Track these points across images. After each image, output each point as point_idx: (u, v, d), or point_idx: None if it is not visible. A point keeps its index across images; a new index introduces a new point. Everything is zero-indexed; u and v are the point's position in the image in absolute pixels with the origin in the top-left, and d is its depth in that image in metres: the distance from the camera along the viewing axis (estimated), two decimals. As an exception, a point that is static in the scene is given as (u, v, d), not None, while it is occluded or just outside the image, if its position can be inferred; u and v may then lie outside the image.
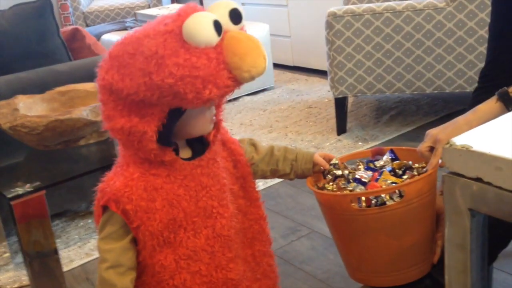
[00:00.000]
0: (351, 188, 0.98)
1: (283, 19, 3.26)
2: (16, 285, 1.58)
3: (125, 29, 3.12)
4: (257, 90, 2.97)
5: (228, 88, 0.77)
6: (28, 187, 1.20)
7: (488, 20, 2.06)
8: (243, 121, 2.61)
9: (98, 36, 2.96)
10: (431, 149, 0.96)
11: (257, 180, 0.99)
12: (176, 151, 0.85)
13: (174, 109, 0.79)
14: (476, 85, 2.18)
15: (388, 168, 1.01)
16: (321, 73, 3.08)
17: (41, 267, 1.25)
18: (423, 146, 0.97)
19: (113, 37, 2.99)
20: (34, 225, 1.22)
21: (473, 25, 2.03)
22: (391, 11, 2.08)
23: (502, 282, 1.34)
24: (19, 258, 1.68)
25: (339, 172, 1.02)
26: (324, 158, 1.03)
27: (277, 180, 1.85)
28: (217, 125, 0.89)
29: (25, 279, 1.58)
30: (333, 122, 2.38)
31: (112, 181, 0.83)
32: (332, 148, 2.20)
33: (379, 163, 1.05)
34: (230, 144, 0.93)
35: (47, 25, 1.97)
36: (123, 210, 0.81)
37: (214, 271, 0.87)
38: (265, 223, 0.96)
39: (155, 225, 0.82)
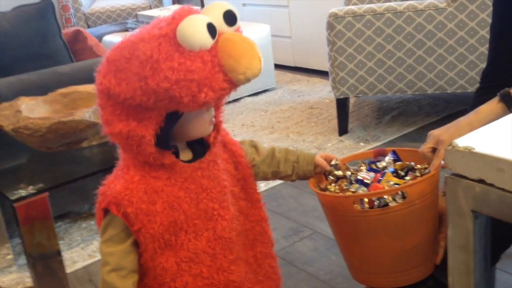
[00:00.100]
0: (353, 190, 0.98)
1: (284, 20, 3.26)
2: (19, 287, 1.58)
3: (126, 30, 3.13)
4: (258, 91, 2.98)
5: (224, 91, 0.77)
6: (31, 189, 1.21)
7: (489, 20, 2.06)
8: (245, 122, 2.61)
9: (99, 38, 2.96)
10: (434, 150, 0.96)
11: (258, 181, 0.99)
12: (176, 154, 0.85)
13: (171, 113, 0.79)
14: (477, 85, 2.18)
15: (391, 169, 1.01)
16: (322, 73, 3.08)
17: (44, 268, 1.25)
18: (425, 147, 0.97)
19: (114, 39, 3.00)
20: (37, 227, 1.22)
21: (474, 26, 2.03)
22: (392, 12, 2.08)
23: (504, 282, 1.34)
24: (22, 260, 1.68)
25: (339, 173, 1.02)
26: (325, 159, 1.03)
27: (279, 181, 1.85)
28: (217, 126, 0.89)
29: (28, 280, 1.58)
30: (334, 122, 2.38)
31: (112, 184, 0.83)
32: (334, 148, 2.20)
33: (381, 164, 1.05)
34: (231, 145, 0.93)
35: (49, 26, 1.98)
36: (124, 213, 0.81)
37: (215, 274, 0.87)
38: (267, 224, 0.96)
39: (156, 227, 0.82)
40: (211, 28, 0.74)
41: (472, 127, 0.90)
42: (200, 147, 0.88)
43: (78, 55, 2.10)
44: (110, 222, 0.84)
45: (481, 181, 0.62)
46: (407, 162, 1.03)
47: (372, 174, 1.01)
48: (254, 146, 0.99)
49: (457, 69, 2.10)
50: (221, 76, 0.75)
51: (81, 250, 1.72)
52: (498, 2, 1.11)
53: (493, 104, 0.93)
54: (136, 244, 0.84)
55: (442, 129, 0.96)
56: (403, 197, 0.94)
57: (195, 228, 0.85)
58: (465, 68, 2.09)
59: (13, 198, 1.19)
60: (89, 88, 1.53)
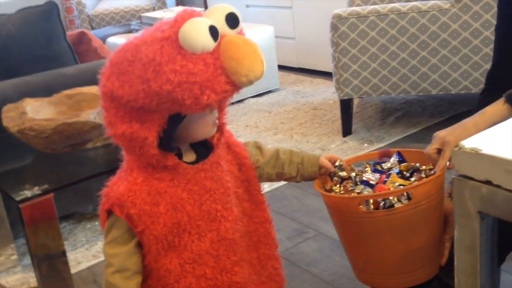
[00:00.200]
0: (358, 191, 0.98)
1: (288, 21, 3.26)
2: (23, 287, 1.58)
3: (130, 32, 3.14)
4: (262, 92, 2.98)
5: (227, 93, 0.77)
6: (36, 190, 1.21)
7: (493, 21, 2.06)
8: (248, 123, 2.61)
9: (103, 39, 2.97)
10: (439, 151, 0.96)
11: (262, 182, 0.99)
12: (179, 156, 0.85)
13: (174, 115, 0.79)
14: (481, 86, 2.17)
15: (396, 170, 1.01)
16: (326, 74, 3.08)
17: (49, 269, 1.26)
18: (430, 148, 0.97)
19: (118, 40, 3.00)
20: (42, 227, 1.23)
21: (478, 26, 2.03)
22: (396, 13, 2.08)
23: (509, 284, 1.34)
24: (27, 260, 1.69)
25: (344, 174, 1.02)
26: (330, 161, 1.03)
27: (283, 182, 1.85)
28: (220, 128, 0.89)
29: (32, 281, 1.58)
30: (338, 123, 2.38)
31: (116, 186, 0.84)
32: (337, 149, 2.20)
33: (386, 165, 1.05)
34: (235, 147, 0.93)
35: (53, 28, 1.98)
36: (127, 214, 0.82)
37: (219, 275, 0.87)
38: (271, 226, 0.96)
39: (159, 229, 0.82)
40: (213, 31, 0.75)
41: (478, 129, 0.90)
42: (203, 148, 0.88)
43: (83, 57, 2.10)
44: (113, 224, 0.84)
45: (488, 182, 0.62)
46: (412, 163, 1.03)
47: (377, 175, 1.01)
48: (259, 148, 0.99)
49: (461, 70, 2.10)
50: (224, 79, 0.75)
51: (85, 250, 1.72)
52: (503, 4, 1.11)
53: (499, 106, 0.93)
54: (139, 246, 0.84)
55: (448, 130, 0.96)
56: (409, 198, 0.94)
57: (199, 229, 0.85)
58: (469, 69, 2.09)
59: (18, 199, 1.19)
60: (94, 89, 1.54)
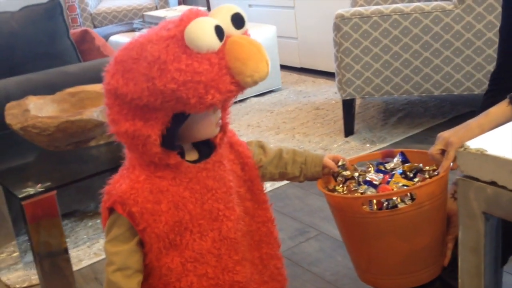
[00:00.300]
0: (362, 191, 0.98)
1: (290, 21, 3.26)
2: (25, 285, 1.58)
3: (132, 30, 3.14)
4: (264, 91, 2.98)
5: (231, 93, 0.77)
6: (39, 187, 1.21)
7: (497, 22, 2.06)
8: (250, 123, 2.61)
9: (106, 38, 2.97)
10: (443, 152, 0.96)
11: (265, 182, 0.99)
12: (182, 154, 0.85)
13: (178, 114, 0.79)
14: (484, 87, 2.17)
15: (399, 170, 1.01)
16: (328, 74, 3.08)
17: (51, 266, 1.26)
18: (434, 149, 0.97)
19: (120, 39, 3.00)
20: (45, 225, 1.23)
21: (481, 28, 2.03)
22: (399, 13, 2.08)
23: (511, 285, 1.34)
24: (28, 257, 1.69)
25: (347, 173, 1.02)
26: (333, 161, 1.03)
27: (285, 182, 1.85)
28: (223, 128, 0.89)
29: (34, 278, 1.59)
30: (340, 123, 2.38)
31: (118, 184, 0.84)
32: (339, 149, 2.20)
33: (389, 165, 1.05)
34: (237, 146, 0.93)
35: (57, 26, 1.99)
36: (129, 212, 0.82)
37: (221, 274, 0.87)
38: (273, 225, 0.96)
39: (161, 227, 0.82)
40: (219, 31, 0.75)
41: (482, 130, 0.90)
42: (206, 147, 0.88)
43: (86, 55, 2.10)
44: (115, 221, 0.84)
45: (493, 183, 0.62)
46: (415, 164, 1.03)
47: (380, 175, 1.01)
48: (262, 147, 0.99)
49: (464, 71, 2.09)
50: (228, 79, 0.75)
51: (87, 248, 1.73)
52: (508, 5, 1.11)
53: (503, 107, 0.93)
54: (141, 244, 0.84)
55: (452, 131, 0.96)
56: (412, 198, 0.94)
57: (200, 228, 0.85)
58: (472, 70, 2.09)
59: (21, 196, 1.19)
60: (97, 87, 1.54)
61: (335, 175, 1.02)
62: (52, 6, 1.99)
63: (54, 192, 1.22)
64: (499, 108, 0.93)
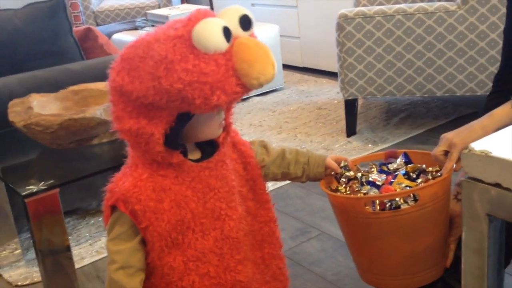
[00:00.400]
0: (364, 191, 0.98)
1: (293, 20, 3.26)
2: (27, 282, 1.59)
3: (135, 28, 3.14)
4: (267, 90, 2.98)
5: (237, 95, 0.77)
6: (42, 185, 1.21)
7: (500, 23, 2.06)
8: (253, 122, 2.61)
9: (108, 36, 2.97)
10: (446, 153, 0.96)
11: (267, 181, 0.99)
12: (184, 153, 0.85)
13: (183, 113, 0.79)
14: (487, 88, 2.17)
15: (402, 171, 1.01)
16: (330, 74, 3.08)
17: (53, 264, 1.26)
18: (437, 150, 0.97)
19: (123, 37, 3.00)
20: (47, 222, 1.23)
21: (484, 29, 2.03)
22: (402, 14, 2.08)
23: (512, 287, 1.34)
24: (30, 255, 1.69)
25: (350, 173, 1.02)
26: (336, 161, 1.03)
27: (287, 181, 1.86)
28: (227, 128, 0.89)
29: (36, 275, 1.59)
30: (342, 123, 2.38)
31: (121, 182, 0.84)
32: (341, 150, 2.20)
33: (392, 166, 1.05)
34: (240, 146, 0.93)
35: (60, 24, 1.99)
36: (132, 210, 0.82)
37: (222, 273, 0.87)
38: (275, 225, 0.96)
39: (163, 225, 0.82)
40: (227, 32, 0.75)
41: (486, 131, 0.90)
42: (209, 147, 0.89)
43: (89, 53, 2.11)
44: (117, 219, 0.84)
45: (497, 185, 0.62)
46: (418, 165, 1.03)
47: (383, 176, 1.01)
48: (264, 147, 0.99)
49: (467, 72, 2.09)
50: (234, 80, 0.76)
51: (89, 246, 1.73)
52: (512, 7, 1.11)
53: (507, 108, 0.93)
54: (143, 243, 0.84)
55: (455, 132, 0.96)
56: (415, 199, 0.94)
57: (202, 227, 0.85)
58: (474, 71, 2.08)
59: (24, 193, 1.19)
60: (100, 86, 1.54)
61: (338, 176, 1.02)
62: (55, 3, 2.00)
63: (57, 190, 1.22)
64: (503, 110, 0.93)
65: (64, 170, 1.38)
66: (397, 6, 2.11)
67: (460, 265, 0.76)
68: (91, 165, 1.40)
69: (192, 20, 0.75)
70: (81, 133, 1.35)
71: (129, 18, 3.82)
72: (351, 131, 2.31)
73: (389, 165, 1.05)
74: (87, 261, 1.65)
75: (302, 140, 2.34)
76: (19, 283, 1.58)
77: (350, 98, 2.23)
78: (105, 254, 1.65)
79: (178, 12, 2.98)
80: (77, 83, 1.56)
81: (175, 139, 0.82)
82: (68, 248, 1.27)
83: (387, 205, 0.95)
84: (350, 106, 2.28)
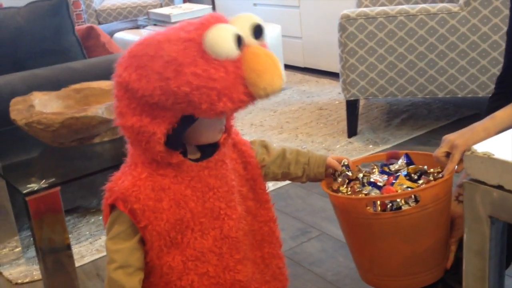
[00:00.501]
0: (366, 192, 0.98)
1: (295, 20, 3.26)
2: (27, 280, 1.59)
3: (137, 27, 3.14)
4: (268, 90, 2.97)
5: (242, 103, 0.77)
6: (43, 183, 1.21)
7: (502, 25, 2.05)
8: (254, 122, 2.61)
9: (110, 34, 2.97)
10: (448, 154, 0.96)
11: (267, 181, 0.99)
12: (184, 153, 0.85)
13: (187, 116, 0.79)
14: (489, 90, 2.16)
15: (404, 172, 1.01)
16: (332, 75, 3.08)
17: (53, 262, 1.26)
18: (439, 152, 0.97)
19: (125, 36, 3.01)
20: (48, 220, 1.23)
21: (487, 30, 2.03)
22: (404, 15, 2.08)
23: (513, 289, 1.34)
24: (31, 253, 1.69)
25: (349, 173, 1.02)
26: (337, 161, 1.03)
27: (288, 181, 1.86)
28: (228, 129, 0.89)
29: (36, 273, 1.59)
30: (343, 124, 2.38)
31: (120, 181, 0.84)
32: (342, 150, 2.19)
33: (394, 167, 1.05)
34: (241, 145, 0.93)
35: (62, 22, 1.99)
36: (131, 209, 0.82)
37: (222, 273, 0.87)
38: (275, 225, 0.96)
39: (162, 225, 0.82)
40: (239, 39, 0.75)
41: (488, 133, 0.90)
42: (209, 147, 0.88)
43: (91, 51, 2.11)
44: (116, 219, 0.84)
45: (499, 187, 0.62)
46: (420, 166, 1.03)
47: (385, 176, 1.01)
48: (265, 146, 0.99)
49: (469, 74, 2.09)
50: (242, 89, 0.76)
51: (89, 244, 1.73)
52: (515, 8, 1.11)
53: (509, 110, 0.93)
54: (142, 242, 0.84)
55: (457, 133, 0.96)
56: (416, 200, 0.94)
57: (202, 226, 0.85)
58: (476, 73, 2.08)
59: (25, 191, 1.19)
60: (102, 84, 1.54)
61: (336, 175, 1.02)
62: (58, 2, 2.00)
63: (58, 188, 1.22)
64: (505, 112, 0.93)
65: (65, 168, 1.38)
66: (400, 7, 2.11)
67: (460, 266, 0.76)
68: (93, 163, 1.39)
69: (205, 24, 0.76)
70: (82, 132, 1.35)
71: (131, 17, 3.83)
72: (352, 131, 2.31)
73: (391, 166, 1.05)
74: (87, 259, 1.65)
75: (303, 140, 2.34)
76: (19, 281, 1.59)
77: (352, 98, 2.23)
78: (105, 253, 1.64)
79: (180, 11, 2.98)
80: (79, 82, 1.56)
81: (177, 140, 0.82)
82: (68, 247, 1.27)
83: (388, 206, 0.95)
84: (352, 106, 2.28)
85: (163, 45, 0.75)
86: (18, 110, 1.39)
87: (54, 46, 1.97)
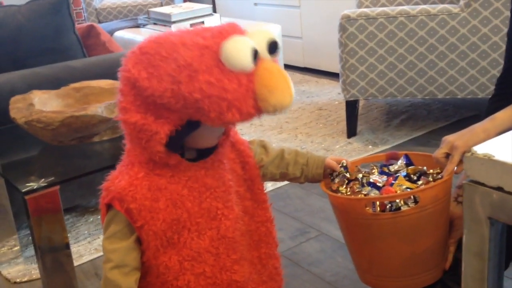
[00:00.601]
0: (365, 192, 0.98)
1: (295, 20, 3.26)
2: (25, 279, 1.59)
3: (137, 26, 3.13)
4: (267, 90, 2.97)
5: (250, 116, 0.78)
6: (42, 182, 1.21)
7: (502, 26, 2.05)
8: (253, 121, 2.61)
9: (110, 33, 2.97)
10: (447, 155, 0.96)
11: (266, 181, 0.99)
12: (182, 153, 0.85)
13: (192, 121, 0.79)
14: (488, 91, 2.16)
15: (403, 173, 1.01)
16: (332, 75, 3.08)
17: (52, 261, 1.26)
18: (439, 153, 0.97)
19: (125, 34, 3.00)
20: (47, 219, 1.23)
21: (487, 31, 2.03)
22: (405, 15, 2.08)
23: (512, 290, 1.34)
24: (29, 252, 1.69)
25: (347, 175, 1.02)
26: (336, 162, 1.03)
27: (287, 182, 1.86)
28: (227, 132, 0.89)
29: (35, 272, 1.59)
30: (343, 124, 2.38)
31: (117, 180, 0.83)
32: (342, 151, 2.20)
33: (393, 168, 1.05)
34: (239, 145, 0.93)
35: (63, 21, 1.99)
36: (127, 209, 0.82)
37: (218, 273, 0.87)
38: (272, 225, 0.96)
39: (158, 224, 0.82)
40: (255, 54, 0.76)
41: (488, 134, 0.90)
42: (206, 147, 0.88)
43: (91, 50, 2.10)
44: (113, 218, 0.84)
45: (499, 188, 0.62)
46: (419, 167, 1.03)
47: (384, 177, 1.01)
48: (263, 146, 0.99)
49: (469, 75, 2.09)
50: (251, 102, 0.76)
51: (87, 244, 1.73)
52: (516, 9, 1.11)
53: (509, 112, 0.93)
54: (139, 242, 0.84)
55: (457, 135, 0.96)
56: (415, 201, 0.94)
57: (198, 226, 0.85)
58: (476, 74, 2.08)
59: (24, 190, 1.19)
60: (102, 83, 1.54)
61: (334, 175, 1.02)
62: (58, 0, 1.99)
63: (57, 187, 1.22)
64: (505, 113, 0.93)
65: (64, 167, 1.38)
66: (400, 7, 2.11)
67: (459, 267, 0.76)
68: (92, 162, 1.39)
69: (223, 34, 0.76)
70: (82, 131, 1.35)
71: (131, 16, 3.82)
72: (351, 132, 2.31)
73: (390, 167, 1.05)
74: (85, 258, 1.65)
75: (303, 140, 2.34)
76: (18, 280, 1.58)
77: (351, 99, 2.23)
78: (104, 252, 1.65)
79: (180, 10, 2.97)
80: (78, 80, 1.56)
81: (178, 142, 0.82)
82: (67, 246, 1.27)
83: (388, 207, 0.95)
84: (351, 107, 2.28)
85: (178, 48, 0.75)
86: (17, 109, 1.39)
87: (54, 44, 1.97)
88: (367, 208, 0.95)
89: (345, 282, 1.45)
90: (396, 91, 2.17)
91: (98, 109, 1.33)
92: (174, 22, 2.85)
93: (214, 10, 3.48)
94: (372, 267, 1.02)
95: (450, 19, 2.05)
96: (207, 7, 2.99)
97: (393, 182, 0.99)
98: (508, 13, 1.92)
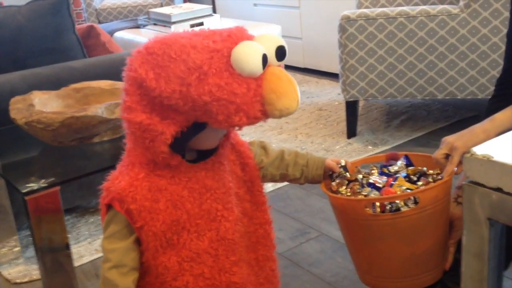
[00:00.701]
0: (365, 193, 0.98)
1: (295, 21, 3.26)
2: (26, 280, 1.59)
3: (137, 27, 3.13)
4: (267, 91, 2.97)
5: (256, 120, 0.78)
6: (42, 183, 1.21)
7: (502, 27, 2.06)
8: (253, 122, 2.61)
9: (110, 33, 2.97)
10: (447, 156, 0.96)
11: (265, 182, 0.99)
12: (183, 155, 0.85)
13: (198, 122, 0.79)
14: (488, 92, 2.17)
15: (403, 174, 1.01)
16: (332, 75, 3.08)
17: (52, 262, 1.26)
18: (438, 153, 0.97)
19: (126, 35, 3.00)
20: (48, 220, 1.23)
21: (486, 32, 2.03)
22: (404, 16, 2.08)
23: (511, 290, 1.34)
24: (29, 252, 1.69)
25: (347, 175, 1.02)
26: (336, 163, 1.03)
27: (286, 182, 1.86)
28: (227, 134, 0.89)
29: (35, 273, 1.59)
30: (343, 125, 2.38)
31: (117, 180, 0.83)
32: (342, 151, 2.20)
33: (393, 168, 1.05)
34: (239, 146, 0.93)
35: (63, 21, 1.99)
36: (127, 209, 0.82)
37: (217, 274, 0.87)
38: (270, 228, 0.96)
39: (158, 225, 0.82)
40: (265, 60, 0.77)
41: (487, 135, 0.90)
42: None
43: (91, 51, 2.11)
44: (112, 218, 0.84)
45: (498, 189, 0.62)
46: (419, 167, 1.03)
47: (384, 178, 1.01)
48: (263, 147, 0.99)
49: (468, 75, 2.09)
50: (258, 106, 0.77)
51: (88, 244, 1.73)
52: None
53: (509, 113, 0.93)
54: (138, 242, 0.84)
55: (456, 135, 0.96)
56: (415, 202, 0.94)
57: (198, 228, 0.85)
58: (476, 75, 2.08)
59: (24, 191, 1.19)
60: (102, 84, 1.54)
61: (334, 176, 1.02)
62: (58, 1, 2.00)
63: (58, 187, 1.22)
64: (505, 114, 0.93)
65: (65, 168, 1.38)
66: (400, 8, 2.11)
67: (459, 268, 0.76)
68: (92, 163, 1.39)
69: (232, 38, 0.77)
70: (82, 131, 1.35)
71: (131, 16, 3.82)
72: (351, 132, 2.31)
73: (390, 167, 1.05)
74: (86, 259, 1.65)
75: (303, 141, 2.34)
76: (18, 281, 1.58)
77: (351, 99, 2.23)
78: (104, 252, 1.65)
79: (180, 11, 2.97)
80: (79, 81, 1.55)
81: (182, 144, 0.82)
82: (67, 246, 1.27)
83: (388, 207, 0.95)
84: (351, 107, 2.28)
85: (188, 50, 0.76)
86: (18, 109, 1.39)
87: (54, 45, 1.97)
88: (367, 209, 0.95)
89: (345, 282, 1.45)
90: (396, 91, 2.17)
91: (98, 109, 1.33)
92: (174, 22, 2.85)
93: (214, 11, 3.47)
94: (372, 267, 1.02)
95: (450, 20, 2.05)
96: (207, 8, 3.00)
97: (393, 182, 0.99)
98: (508, 14, 1.92)
